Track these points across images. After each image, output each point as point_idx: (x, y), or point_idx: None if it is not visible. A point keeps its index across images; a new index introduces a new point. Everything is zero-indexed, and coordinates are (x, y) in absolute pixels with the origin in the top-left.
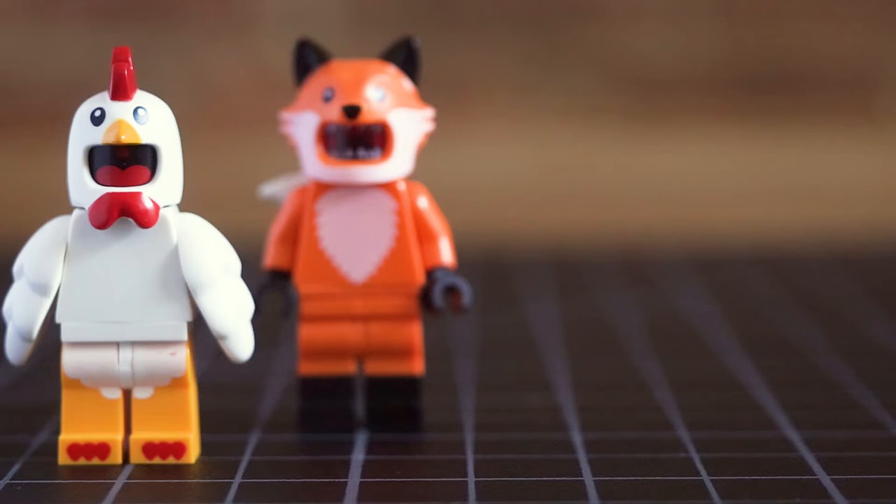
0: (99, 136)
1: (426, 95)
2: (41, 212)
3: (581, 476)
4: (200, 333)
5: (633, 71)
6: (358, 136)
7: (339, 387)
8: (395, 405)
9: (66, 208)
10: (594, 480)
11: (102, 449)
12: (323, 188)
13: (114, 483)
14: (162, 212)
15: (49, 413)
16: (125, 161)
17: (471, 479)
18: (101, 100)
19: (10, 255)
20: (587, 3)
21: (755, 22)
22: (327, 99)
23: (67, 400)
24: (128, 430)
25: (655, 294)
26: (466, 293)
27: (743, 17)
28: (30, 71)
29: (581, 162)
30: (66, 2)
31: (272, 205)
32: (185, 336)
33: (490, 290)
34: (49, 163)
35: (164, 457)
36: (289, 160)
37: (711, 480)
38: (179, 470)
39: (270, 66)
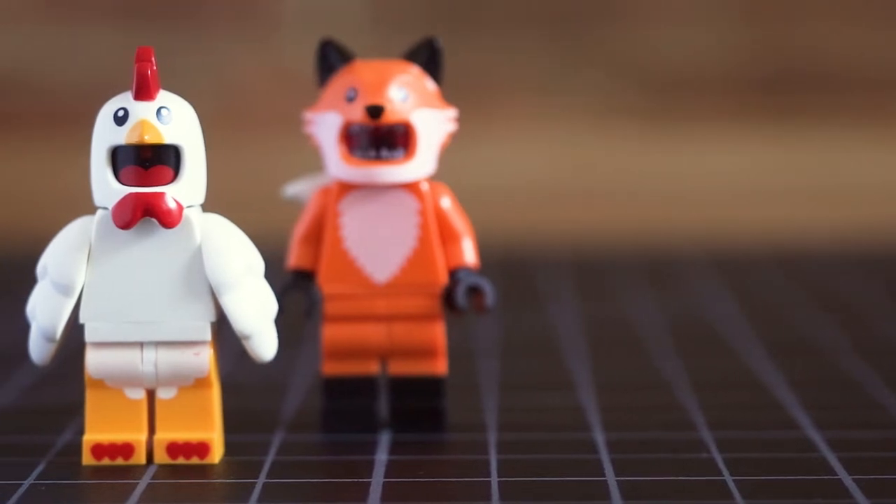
0: (122, 136)
1: (446, 95)
2: (63, 212)
3: (604, 476)
4: (224, 334)
5: (655, 71)
6: (381, 137)
7: (362, 387)
8: (418, 405)
9: (88, 208)
10: (617, 480)
11: (126, 449)
12: (346, 188)
13: (138, 483)
14: (185, 212)
15: (72, 413)
16: (148, 161)
17: (494, 479)
18: (125, 100)
19: (31, 254)
20: (608, 3)
21: (775, 23)
22: (350, 99)
23: (91, 400)
24: (152, 430)
25: (675, 294)
26: (489, 293)
27: (762, 18)
28: (52, 71)
29: (602, 162)
30: (88, 2)
31: (295, 205)
32: (208, 336)
33: (509, 290)
34: (71, 163)
35: (188, 457)
36: (311, 160)
37: (734, 480)
38: (203, 470)
39: (291, 66)
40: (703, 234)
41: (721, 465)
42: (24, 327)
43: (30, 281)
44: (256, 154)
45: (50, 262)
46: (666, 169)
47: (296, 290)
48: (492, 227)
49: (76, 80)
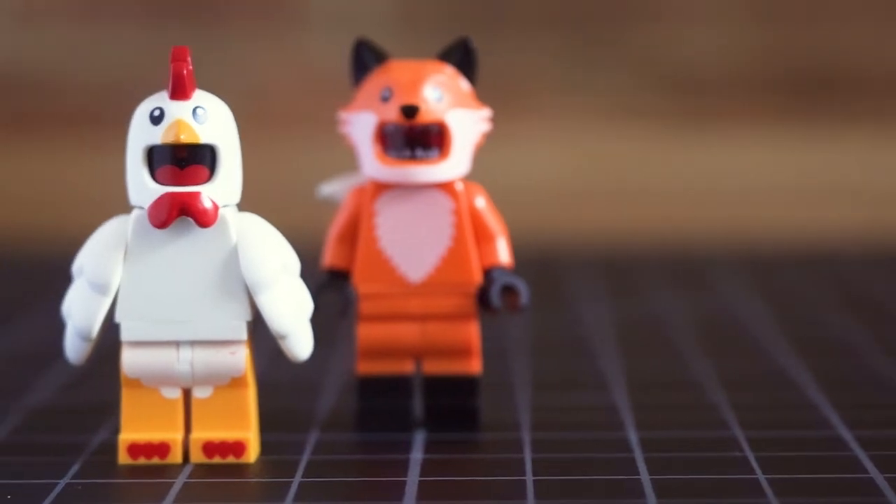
0: (158, 135)
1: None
2: (94, 212)
3: (638, 474)
4: (258, 333)
5: (679, 71)
6: (415, 136)
7: (396, 386)
8: (452, 404)
9: (119, 208)
10: (651, 479)
11: (162, 448)
12: (381, 188)
13: (174, 482)
14: (221, 211)
15: (107, 412)
16: (184, 160)
17: (529, 478)
18: (160, 99)
19: (62, 254)
20: (632, 4)
21: (797, 22)
22: (385, 99)
23: (127, 399)
24: (187, 429)
25: (704, 293)
26: (524, 293)
27: (785, 17)
28: (77, 70)
29: (627, 162)
30: (114, 1)
31: (330, 204)
32: (244, 335)
33: (537, 289)
34: (102, 162)
35: (223, 456)
36: (341, 159)
37: (766, 479)
38: (239, 469)
39: (318, 66)
40: (729, 234)
41: (754, 464)
42: (60, 326)
43: (63, 280)
44: (283, 153)
45: (86, 261)
46: (691, 168)
47: (331, 289)
48: (518, 227)
49: (103, 79)
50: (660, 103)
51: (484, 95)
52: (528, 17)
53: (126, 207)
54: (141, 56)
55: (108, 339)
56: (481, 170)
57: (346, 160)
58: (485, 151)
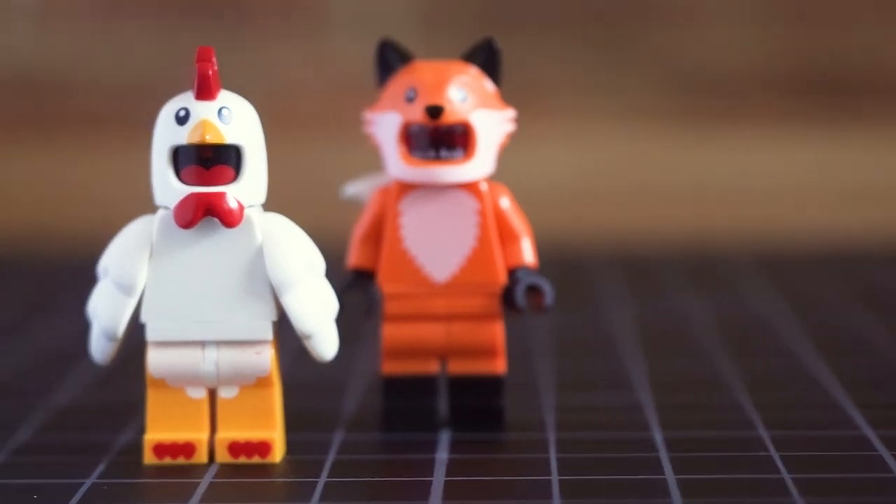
0: (183, 135)
1: None
2: (117, 211)
3: (663, 474)
4: (283, 332)
5: (698, 73)
6: (440, 137)
7: (422, 386)
8: (477, 404)
9: (142, 208)
10: (676, 478)
11: (188, 448)
12: (406, 188)
13: (199, 482)
14: (246, 211)
15: (132, 412)
16: (209, 161)
17: (554, 478)
18: (186, 99)
19: (86, 253)
20: (652, 5)
21: (811, 25)
22: (410, 99)
23: (152, 399)
24: (213, 429)
25: (725, 293)
26: (548, 293)
27: (799, 20)
28: (99, 71)
29: (647, 162)
30: (135, 2)
31: (355, 204)
32: (269, 335)
33: (562, 289)
34: (120, 162)
35: (249, 456)
36: (365, 159)
37: (791, 478)
38: (265, 469)
39: (340, 66)
40: (748, 233)
41: (779, 463)
42: (85, 326)
43: (87, 281)
44: (306, 153)
45: (111, 261)
46: (710, 168)
47: (356, 289)
48: (539, 227)
49: (126, 79)
50: (678, 104)
51: (503, 96)
52: (547, 19)
53: (150, 207)
54: (163, 56)
55: (134, 339)
56: (502, 170)
57: (370, 160)
58: (505, 152)
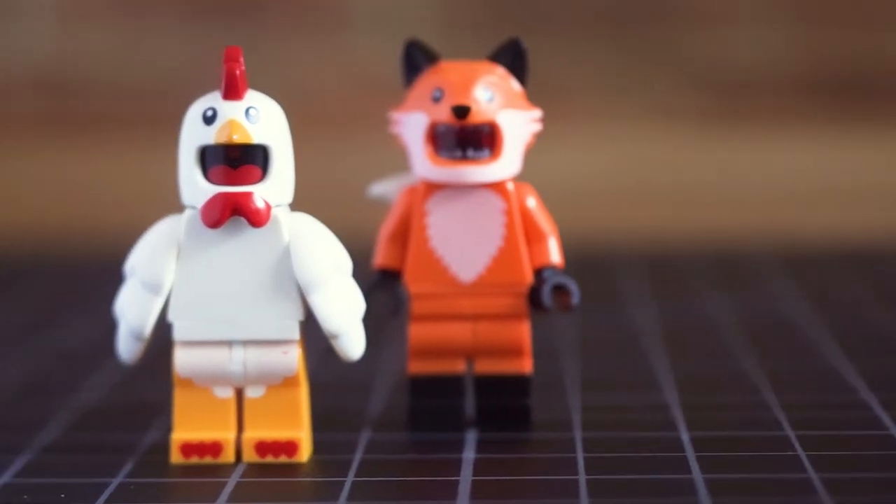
0: (211, 135)
1: None
2: (142, 211)
3: (690, 474)
4: (309, 332)
5: (723, 73)
6: (467, 137)
7: (448, 386)
8: (504, 404)
9: (168, 207)
10: (703, 478)
11: (215, 448)
12: (432, 188)
13: (226, 482)
14: (273, 211)
15: (159, 411)
16: (237, 160)
17: (581, 477)
18: (213, 99)
19: (113, 252)
20: (674, 5)
21: (840, 24)
22: (436, 99)
23: (179, 399)
24: (240, 428)
25: (750, 293)
26: (575, 292)
27: (826, 20)
28: (123, 70)
29: (672, 162)
30: (158, 1)
31: (381, 204)
32: (297, 335)
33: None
34: (147, 162)
35: (276, 455)
36: (389, 159)
37: (819, 477)
38: (292, 469)
39: (361, 66)
40: (774, 233)
41: (806, 463)
42: (112, 326)
43: (114, 280)
44: (329, 153)
45: (138, 261)
46: (735, 169)
47: (382, 289)
48: (563, 227)
49: (150, 79)
50: (702, 104)
51: (527, 97)
52: (571, 20)
53: (175, 207)
54: (187, 56)
55: (160, 338)
56: (527, 170)
57: (394, 160)
58: (530, 152)
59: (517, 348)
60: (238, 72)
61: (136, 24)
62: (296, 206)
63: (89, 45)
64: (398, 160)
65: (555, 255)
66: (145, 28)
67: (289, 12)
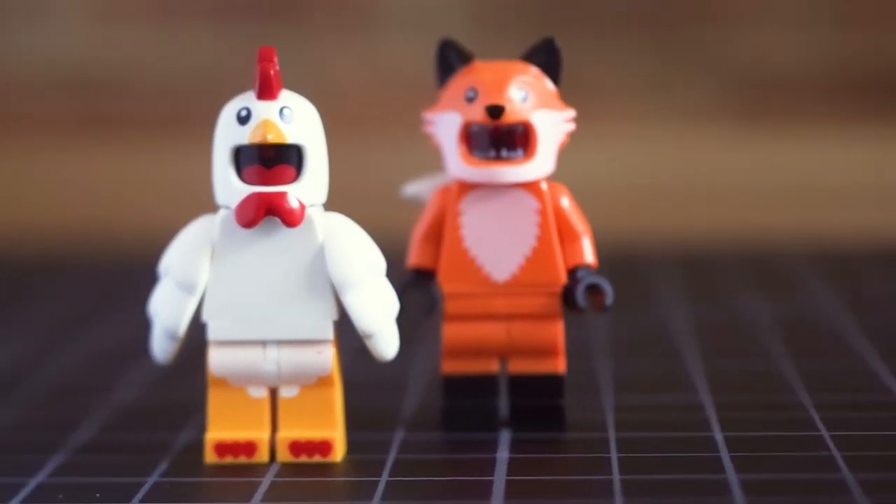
0: (245, 135)
1: None
2: (175, 210)
3: (724, 473)
4: (341, 331)
5: (755, 73)
6: (500, 136)
7: (482, 385)
8: (538, 403)
9: (201, 206)
10: (738, 478)
11: (249, 447)
12: (466, 188)
13: (261, 481)
14: (308, 211)
15: (193, 411)
16: (271, 160)
17: (616, 477)
18: (247, 99)
19: (146, 252)
20: (706, 5)
21: (870, 25)
22: (470, 99)
23: (214, 398)
24: (274, 428)
25: (784, 293)
26: (609, 292)
27: (858, 20)
28: (154, 69)
29: (704, 162)
30: (188, 2)
31: (415, 204)
32: (331, 335)
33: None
34: (180, 161)
35: (310, 455)
36: (422, 159)
37: (854, 478)
38: (326, 468)
39: (393, 66)
40: (807, 233)
41: (840, 463)
42: (145, 325)
43: (147, 279)
44: (360, 153)
45: (173, 261)
46: (767, 169)
47: (416, 288)
48: (596, 227)
49: (181, 78)
50: (734, 104)
51: (561, 96)
52: (600, 19)
53: (208, 207)
54: (218, 56)
55: (194, 338)
56: (558, 170)
57: (427, 160)
58: (563, 152)
59: (551, 348)
60: (272, 71)
61: (167, 24)
62: (329, 205)
63: (122, 46)
64: (431, 160)
65: (588, 254)
66: (176, 28)
67: (319, 12)
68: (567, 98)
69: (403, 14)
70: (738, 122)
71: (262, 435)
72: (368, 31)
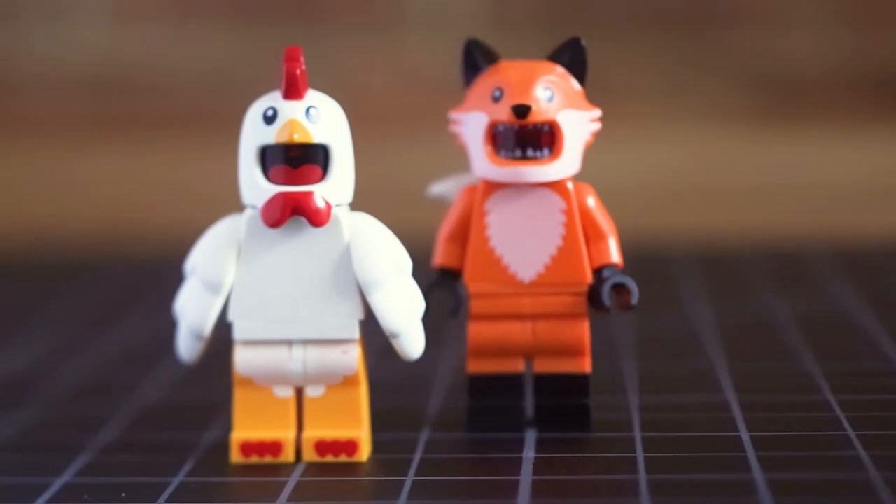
0: (271, 135)
1: None
2: (200, 210)
3: (751, 473)
4: (367, 331)
5: (780, 73)
6: (526, 136)
7: (507, 385)
8: (563, 403)
9: (225, 206)
10: (764, 477)
11: (275, 447)
12: (492, 187)
13: (286, 481)
14: (334, 210)
15: (218, 410)
16: (297, 160)
17: (642, 476)
18: (274, 99)
19: (171, 252)
20: (729, 5)
21: (890, 26)
22: (496, 99)
23: (239, 398)
24: (300, 427)
25: (809, 292)
26: (635, 292)
27: (880, 20)
28: (175, 69)
29: (728, 162)
30: (205, 1)
31: (440, 204)
32: (356, 334)
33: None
34: (204, 160)
35: (336, 455)
36: (446, 159)
37: (881, 477)
38: (352, 468)
39: (412, 66)
40: (832, 232)
41: (868, 463)
42: (171, 325)
43: (172, 279)
44: (384, 152)
45: (199, 260)
46: (791, 168)
47: (441, 288)
48: (620, 226)
49: (203, 77)
50: (759, 104)
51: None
52: (624, 20)
53: (230, 205)
54: (237, 55)
55: (220, 337)
56: (582, 169)
57: (452, 159)
58: (587, 152)
59: (577, 348)
60: (298, 71)
61: (185, 23)
62: (355, 205)
63: (141, 46)
64: (457, 159)
65: (614, 254)
66: (195, 28)
67: (340, 12)
68: (590, 98)
69: (426, 14)
70: (760, 122)
71: (287, 434)
72: (391, 31)
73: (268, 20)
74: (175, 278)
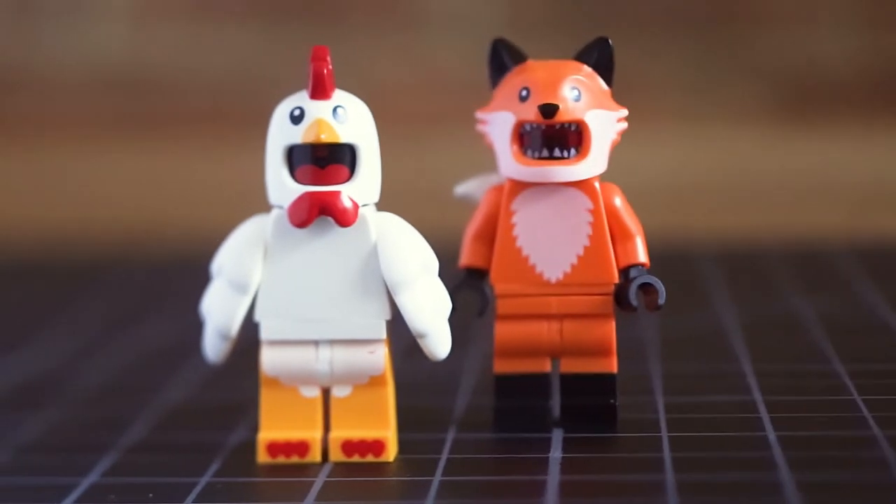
0: (298, 135)
1: None
2: (223, 210)
3: (778, 472)
4: (393, 331)
5: (806, 73)
6: (553, 136)
7: (534, 385)
8: (590, 403)
9: (248, 205)
10: (791, 477)
11: (301, 447)
12: (518, 187)
13: (314, 481)
14: (361, 210)
15: (244, 411)
16: (324, 160)
17: (669, 476)
18: (301, 99)
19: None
20: (755, 8)
21: None
22: (523, 98)
23: (266, 398)
24: (326, 428)
25: (834, 291)
26: (661, 291)
27: None
28: (197, 69)
29: (753, 162)
30: (230, 1)
31: (467, 203)
32: (383, 334)
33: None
34: (227, 160)
35: (363, 455)
36: (471, 157)
37: None
38: (379, 468)
39: (437, 66)
40: (857, 232)
41: (894, 463)
42: (197, 325)
43: (198, 279)
44: (408, 152)
45: (225, 260)
46: (816, 168)
47: (468, 288)
48: (646, 226)
49: (224, 77)
50: (785, 104)
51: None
52: (647, 20)
53: (254, 205)
54: (258, 55)
55: (247, 337)
56: (609, 169)
57: (478, 159)
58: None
59: (603, 347)
60: (326, 71)
61: (206, 23)
62: (381, 205)
63: (164, 45)
64: (483, 159)
65: (641, 254)
66: (219, 27)
67: (362, 12)
68: (616, 98)
69: (448, 14)
70: (786, 122)
71: (314, 435)
72: (412, 30)
73: (288, 20)
74: (200, 278)
